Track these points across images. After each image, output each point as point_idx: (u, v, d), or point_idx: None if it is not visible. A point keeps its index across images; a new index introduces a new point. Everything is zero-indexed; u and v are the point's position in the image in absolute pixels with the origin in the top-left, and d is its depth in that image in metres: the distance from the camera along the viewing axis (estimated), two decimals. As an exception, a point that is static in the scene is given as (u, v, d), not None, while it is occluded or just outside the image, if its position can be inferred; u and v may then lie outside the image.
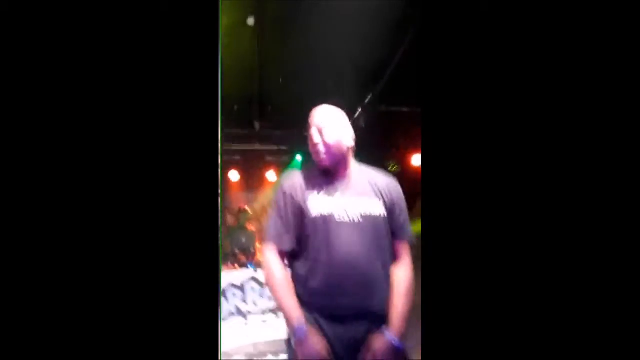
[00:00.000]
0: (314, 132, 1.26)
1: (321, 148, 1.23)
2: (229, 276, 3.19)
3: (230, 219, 4.52)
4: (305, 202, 1.19)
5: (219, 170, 1.04)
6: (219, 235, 0.98)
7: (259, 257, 3.72)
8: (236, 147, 4.76)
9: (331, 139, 1.24)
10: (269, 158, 5.00)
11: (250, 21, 3.00)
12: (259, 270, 3.20)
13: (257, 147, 4.72)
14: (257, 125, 4.49)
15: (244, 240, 3.86)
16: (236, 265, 3.46)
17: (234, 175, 4.88)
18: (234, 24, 3.14)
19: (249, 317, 3.07)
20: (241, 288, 3.14)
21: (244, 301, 3.11)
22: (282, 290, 1.16)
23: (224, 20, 3.13)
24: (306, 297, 1.16)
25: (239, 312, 3.08)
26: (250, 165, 4.88)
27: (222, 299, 3.09)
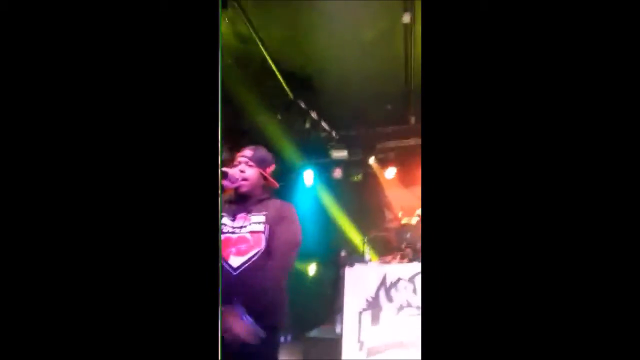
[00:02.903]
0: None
1: None
2: (399, 269, 3.30)
3: (388, 215, 4.64)
4: None
5: (219, 171, 1.03)
6: (219, 236, 0.97)
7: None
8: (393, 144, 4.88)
9: None
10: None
11: (406, 18, 3.01)
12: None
13: (413, 142, 4.74)
14: (412, 119, 4.51)
15: (408, 235, 3.94)
16: (405, 259, 3.54)
17: (390, 173, 5.00)
18: (387, 23, 3.23)
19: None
20: (411, 281, 3.21)
21: (415, 293, 3.17)
22: None
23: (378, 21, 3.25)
24: None
25: (410, 304, 3.15)
26: (407, 161, 4.92)
27: (393, 291, 3.21)
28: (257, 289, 1.39)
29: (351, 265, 3.40)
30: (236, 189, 1.56)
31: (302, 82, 4.13)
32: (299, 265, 4.66)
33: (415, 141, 4.73)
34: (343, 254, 3.83)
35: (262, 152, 1.66)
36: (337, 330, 3.29)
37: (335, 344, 3.22)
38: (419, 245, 3.88)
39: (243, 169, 1.58)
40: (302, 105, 4.43)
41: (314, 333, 3.77)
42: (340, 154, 5.08)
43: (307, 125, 4.76)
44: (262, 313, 1.38)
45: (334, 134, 4.97)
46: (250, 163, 1.59)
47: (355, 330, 3.19)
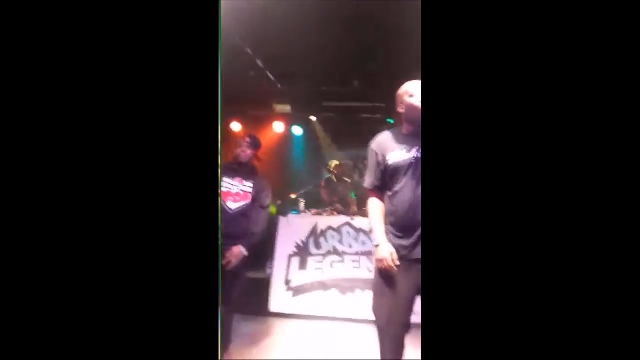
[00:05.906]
0: (412, 101, 1.58)
1: (416, 116, 1.55)
2: (328, 220, 3.60)
3: (325, 172, 4.91)
4: (385, 155, 1.63)
5: (219, 167, 1.05)
6: (219, 228, 1.00)
7: (353, 207, 4.08)
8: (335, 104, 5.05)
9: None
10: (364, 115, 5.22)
11: None
12: (355, 218, 3.57)
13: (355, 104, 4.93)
14: (355, 83, 4.68)
15: (340, 190, 4.24)
16: (335, 212, 3.84)
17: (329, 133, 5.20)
18: None
19: (344, 256, 3.48)
20: (338, 231, 3.53)
21: (341, 242, 3.51)
22: (371, 214, 1.68)
23: None
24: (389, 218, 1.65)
25: (336, 251, 3.49)
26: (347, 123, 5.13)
27: (322, 239, 3.52)
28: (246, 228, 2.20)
29: (284, 214, 3.64)
30: (238, 158, 2.30)
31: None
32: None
33: (356, 104, 4.94)
34: (279, 202, 4.06)
35: (256, 139, 2.39)
36: (267, 272, 3.56)
37: (265, 283, 3.50)
38: (348, 199, 4.22)
39: (244, 150, 2.31)
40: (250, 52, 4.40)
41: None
42: (284, 108, 5.18)
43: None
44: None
45: (279, 86, 5.03)
46: (250, 145, 2.33)
47: (283, 272, 3.48)
